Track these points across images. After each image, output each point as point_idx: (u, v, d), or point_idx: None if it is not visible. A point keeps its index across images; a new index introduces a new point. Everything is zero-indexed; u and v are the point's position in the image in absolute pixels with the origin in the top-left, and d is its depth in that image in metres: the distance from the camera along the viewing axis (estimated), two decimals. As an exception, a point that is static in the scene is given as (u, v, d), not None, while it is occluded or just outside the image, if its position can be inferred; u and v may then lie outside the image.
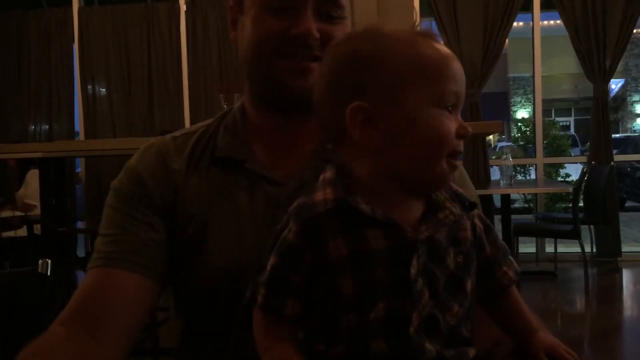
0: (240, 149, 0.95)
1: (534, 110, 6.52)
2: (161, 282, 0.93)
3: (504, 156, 4.81)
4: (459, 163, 0.73)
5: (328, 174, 0.71)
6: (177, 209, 0.94)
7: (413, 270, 0.67)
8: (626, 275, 5.57)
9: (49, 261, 1.29)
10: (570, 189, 5.32)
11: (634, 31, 5.93)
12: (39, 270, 1.27)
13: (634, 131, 15.65)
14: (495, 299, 0.76)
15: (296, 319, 0.68)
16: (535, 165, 6.32)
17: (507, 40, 5.96)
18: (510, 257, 0.77)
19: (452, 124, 0.69)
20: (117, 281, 0.89)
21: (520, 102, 17.85)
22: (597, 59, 5.69)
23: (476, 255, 0.73)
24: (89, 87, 6.53)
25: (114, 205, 0.96)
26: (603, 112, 5.77)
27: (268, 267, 0.68)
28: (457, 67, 0.70)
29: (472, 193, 0.95)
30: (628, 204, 10.49)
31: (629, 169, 10.58)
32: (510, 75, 17.49)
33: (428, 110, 0.68)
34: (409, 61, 0.68)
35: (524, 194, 8.70)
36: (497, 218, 4.30)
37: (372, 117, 0.68)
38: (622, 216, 5.94)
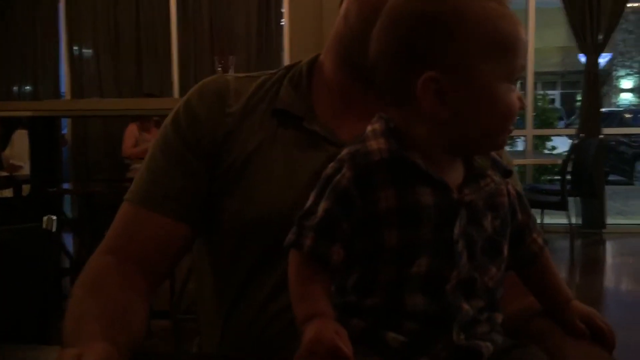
0: (301, 105, 0.94)
1: (525, 82, 6.52)
2: (196, 228, 0.94)
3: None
4: None
5: (377, 125, 0.70)
6: (224, 151, 0.93)
7: (456, 231, 0.67)
8: (610, 247, 5.66)
9: (54, 218, 1.29)
10: (560, 161, 5.36)
11: (627, 5, 5.92)
12: (44, 226, 1.27)
13: (619, 106, 15.76)
14: (528, 266, 0.77)
15: (338, 268, 0.67)
16: (525, 136, 6.35)
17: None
18: (537, 228, 0.77)
19: (515, 97, 0.68)
20: (153, 223, 0.91)
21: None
22: (589, 32, 5.69)
23: (510, 220, 0.74)
24: (75, 48, 6.42)
25: (163, 143, 0.96)
26: (594, 86, 5.79)
27: (320, 211, 0.66)
28: (525, 39, 0.69)
29: (509, 160, 0.95)
30: (611, 177, 10.64)
31: (612, 143, 10.70)
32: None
33: (500, 85, 0.67)
34: (488, 35, 0.66)
35: (510, 166, 8.72)
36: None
37: (445, 89, 0.67)
38: (606, 189, 6.01)
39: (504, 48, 0.67)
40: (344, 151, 0.69)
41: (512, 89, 0.68)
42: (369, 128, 0.71)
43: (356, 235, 0.67)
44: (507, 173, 0.75)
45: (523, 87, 6.49)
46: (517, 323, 0.77)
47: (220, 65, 2.94)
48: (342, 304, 0.68)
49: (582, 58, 5.83)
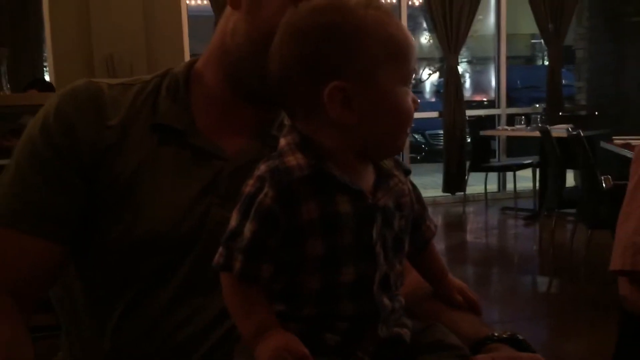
0: (182, 118, 0.90)
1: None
2: (69, 248, 0.88)
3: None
4: None
5: (290, 138, 0.71)
6: (104, 167, 0.87)
7: (374, 234, 0.70)
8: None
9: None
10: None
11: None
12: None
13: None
14: (422, 250, 0.82)
15: (269, 283, 0.68)
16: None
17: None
18: (429, 215, 0.82)
19: (411, 100, 0.72)
20: (28, 247, 0.84)
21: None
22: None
23: (411, 216, 0.78)
24: None
25: (31, 155, 0.87)
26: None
27: (246, 233, 0.66)
28: (414, 47, 0.73)
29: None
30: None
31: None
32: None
33: (398, 89, 0.70)
34: (384, 42, 0.69)
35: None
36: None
37: (350, 96, 0.68)
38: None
39: (399, 54, 0.70)
40: (262, 168, 0.69)
41: (408, 92, 0.71)
42: (283, 141, 0.71)
43: (281, 248, 0.67)
44: (407, 172, 0.78)
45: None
46: (411, 304, 0.79)
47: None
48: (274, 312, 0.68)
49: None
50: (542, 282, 4.24)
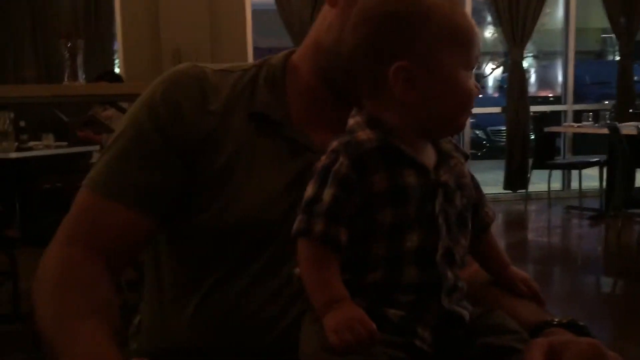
0: (279, 109, 0.92)
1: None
2: (160, 225, 0.90)
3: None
4: None
5: (358, 118, 0.76)
6: (204, 151, 0.89)
7: (437, 208, 0.74)
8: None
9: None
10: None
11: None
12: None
13: None
14: (481, 234, 0.84)
15: (343, 250, 0.70)
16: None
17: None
18: (487, 202, 0.85)
19: (472, 84, 0.76)
20: (118, 214, 0.87)
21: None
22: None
23: (472, 196, 0.81)
24: None
25: (137, 133, 0.90)
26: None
27: (326, 198, 0.69)
28: (478, 34, 0.76)
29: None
30: None
31: None
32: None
33: (460, 73, 0.74)
34: (448, 29, 0.73)
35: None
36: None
37: (413, 76, 0.72)
38: None
39: (462, 41, 0.74)
40: (335, 143, 0.73)
41: (469, 76, 0.75)
42: (351, 121, 0.76)
43: (355, 216, 0.71)
44: (466, 156, 0.82)
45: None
46: (471, 290, 0.81)
47: (68, 52, 2.87)
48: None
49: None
50: (607, 282, 4.11)
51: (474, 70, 0.77)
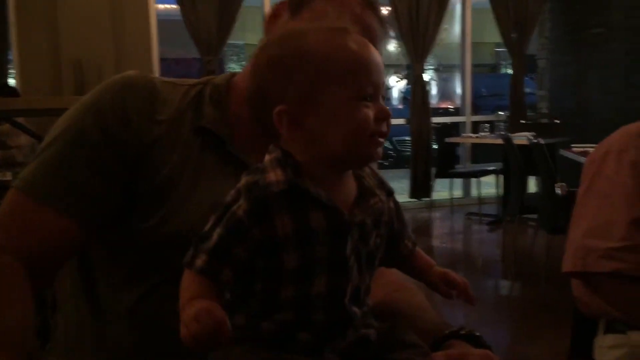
0: (223, 126, 0.93)
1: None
2: (91, 234, 0.88)
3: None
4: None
5: (274, 154, 0.75)
6: (148, 160, 0.88)
7: (348, 249, 0.73)
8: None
9: None
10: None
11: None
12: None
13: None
14: (400, 265, 0.87)
15: (225, 286, 0.71)
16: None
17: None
18: (410, 233, 0.86)
19: (369, 111, 0.73)
20: (50, 221, 0.84)
21: (234, 68, 17.35)
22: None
23: (387, 234, 0.81)
24: None
25: (78, 134, 0.88)
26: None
27: (214, 237, 0.70)
28: (371, 60, 0.74)
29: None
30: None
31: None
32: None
33: (346, 105, 0.72)
34: (323, 66, 0.72)
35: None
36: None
37: (296, 118, 0.73)
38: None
39: (342, 75, 0.72)
40: (243, 180, 0.73)
41: (362, 105, 0.72)
42: (267, 157, 0.75)
43: (257, 257, 0.71)
44: (390, 192, 0.82)
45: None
46: (378, 306, 0.84)
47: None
48: (251, 314, 0.72)
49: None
50: (505, 285, 4.36)
51: (378, 93, 0.75)
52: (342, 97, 0.72)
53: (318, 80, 0.73)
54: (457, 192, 7.09)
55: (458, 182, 7.08)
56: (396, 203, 0.84)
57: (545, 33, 7.21)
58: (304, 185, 0.71)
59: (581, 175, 1.59)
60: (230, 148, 0.92)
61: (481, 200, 6.54)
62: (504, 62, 13.91)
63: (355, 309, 0.75)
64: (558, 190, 1.74)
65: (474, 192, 6.98)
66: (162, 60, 6.30)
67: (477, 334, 0.84)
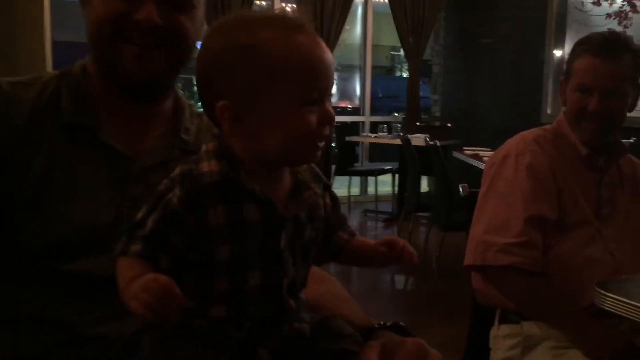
0: (88, 116, 0.90)
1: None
2: None
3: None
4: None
5: (210, 145, 0.74)
6: (12, 168, 0.86)
7: (282, 243, 0.73)
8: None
9: None
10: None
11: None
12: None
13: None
14: (337, 257, 0.86)
15: (167, 273, 0.68)
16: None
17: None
18: (348, 224, 0.86)
19: (312, 117, 0.71)
20: None
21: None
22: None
23: (323, 228, 0.81)
24: None
25: None
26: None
27: (150, 224, 0.69)
28: (320, 63, 0.72)
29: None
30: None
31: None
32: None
33: (287, 110, 0.71)
34: (268, 68, 0.70)
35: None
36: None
37: (237, 114, 0.71)
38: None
39: (294, 78, 0.70)
40: (177, 170, 0.72)
41: (305, 110, 0.71)
42: (204, 147, 0.74)
43: (190, 248, 0.70)
44: (326, 186, 0.82)
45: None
46: (311, 302, 0.84)
47: None
48: (183, 310, 0.68)
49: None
50: (400, 280, 4.54)
51: (324, 97, 0.73)
52: (285, 102, 0.71)
53: (261, 81, 0.71)
54: (355, 190, 7.28)
55: (356, 179, 7.26)
56: (333, 196, 0.84)
57: (439, 40, 7.56)
58: (238, 178, 0.71)
59: (482, 177, 1.72)
60: (101, 137, 0.90)
61: (378, 198, 6.76)
62: (398, 65, 14.40)
63: (292, 302, 0.76)
64: (461, 191, 1.86)
65: (371, 190, 7.20)
66: (56, 43, 5.98)
67: (403, 324, 0.89)
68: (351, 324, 0.86)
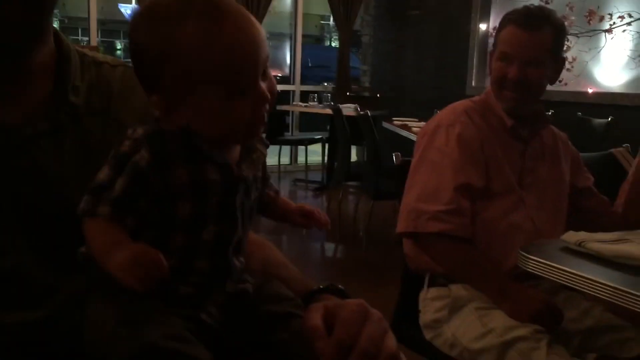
0: None
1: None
2: None
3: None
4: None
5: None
6: None
7: (237, 202, 0.78)
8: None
9: None
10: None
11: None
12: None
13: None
14: (266, 210, 0.91)
15: (132, 233, 0.70)
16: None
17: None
18: (271, 182, 0.91)
19: (245, 105, 0.72)
20: None
21: None
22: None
23: (262, 187, 0.86)
24: None
25: None
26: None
27: (118, 187, 0.70)
28: (247, 49, 0.71)
29: None
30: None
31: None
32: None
33: (218, 105, 0.72)
34: (193, 65, 0.70)
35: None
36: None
37: (171, 107, 0.73)
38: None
39: (217, 72, 0.70)
40: (140, 130, 0.72)
41: (239, 100, 0.71)
42: (157, 112, 0.75)
43: (153, 207, 0.72)
44: (267, 146, 0.86)
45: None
46: (252, 267, 0.87)
47: None
48: None
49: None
50: (329, 248, 4.62)
51: (258, 76, 0.72)
52: (213, 97, 0.71)
53: (185, 80, 0.71)
54: (285, 159, 7.29)
55: (286, 149, 7.27)
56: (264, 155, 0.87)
57: (369, 10, 7.61)
58: (199, 144, 0.74)
59: (415, 146, 1.77)
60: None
61: (308, 167, 6.80)
62: (328, 35, 14.40)
63: (236, 261, 0.80)
64: (394, 159, 1.91)
65: (301, 159, 7.23)
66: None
67: (341, 287, 0.92)
68: (291, 288, 0.88)
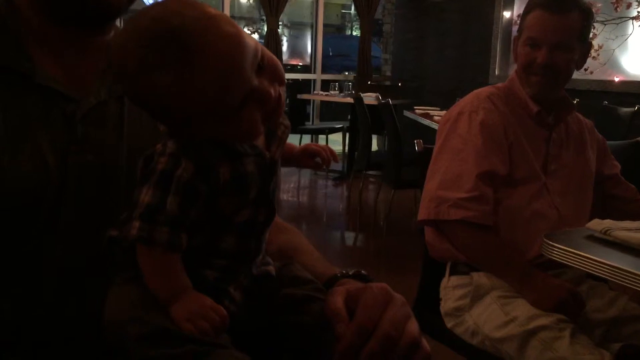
0: (18, 56, 0.79)
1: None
2: None
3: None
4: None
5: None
6: None
7: (272, 185, 0.79)
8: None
9: None
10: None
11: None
12: None
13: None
14: None
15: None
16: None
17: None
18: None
19: (252, 115, 0.72)
20: None
21: None
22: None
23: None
24: None
25: None
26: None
27: (173, 207, 0.69)
28: (223, 77, 0.68)
29: None
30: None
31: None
32: None
33: (223, 124, 0.71)
34: (178, 108, 0.69)
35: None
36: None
37: (178, 132, 0.73)
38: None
39: (203, 107, 0.69)
40: (170, 145, 0.71)
41: (246, 112, 0.70)
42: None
43: (200, 213, 0.72)
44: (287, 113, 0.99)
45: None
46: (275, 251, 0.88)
47: None
48: None
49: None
50: (349, 237, 4.62)
51: (254, 72, 0.70)
52: (212, 121, 0.71)
53: (179, 117, 0.71)
54: (305, 148, 7.28)
55: (307, 138, 7.26)
56: None
57: (391, -2, 7.55)
58: (232, 145, 0.74)
59: (437, 133, 1.75)
60: (36, 78, 0.79)
61: (328, 157, 6.77)
62: (348, 24, 14.33)
63: (262, 242, 0.80)
64: (416, 147, 1.89)
65: (321, 148, 7.21)
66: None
67: (365, 272, 0.91)
68: (313, 272, 0.87)
